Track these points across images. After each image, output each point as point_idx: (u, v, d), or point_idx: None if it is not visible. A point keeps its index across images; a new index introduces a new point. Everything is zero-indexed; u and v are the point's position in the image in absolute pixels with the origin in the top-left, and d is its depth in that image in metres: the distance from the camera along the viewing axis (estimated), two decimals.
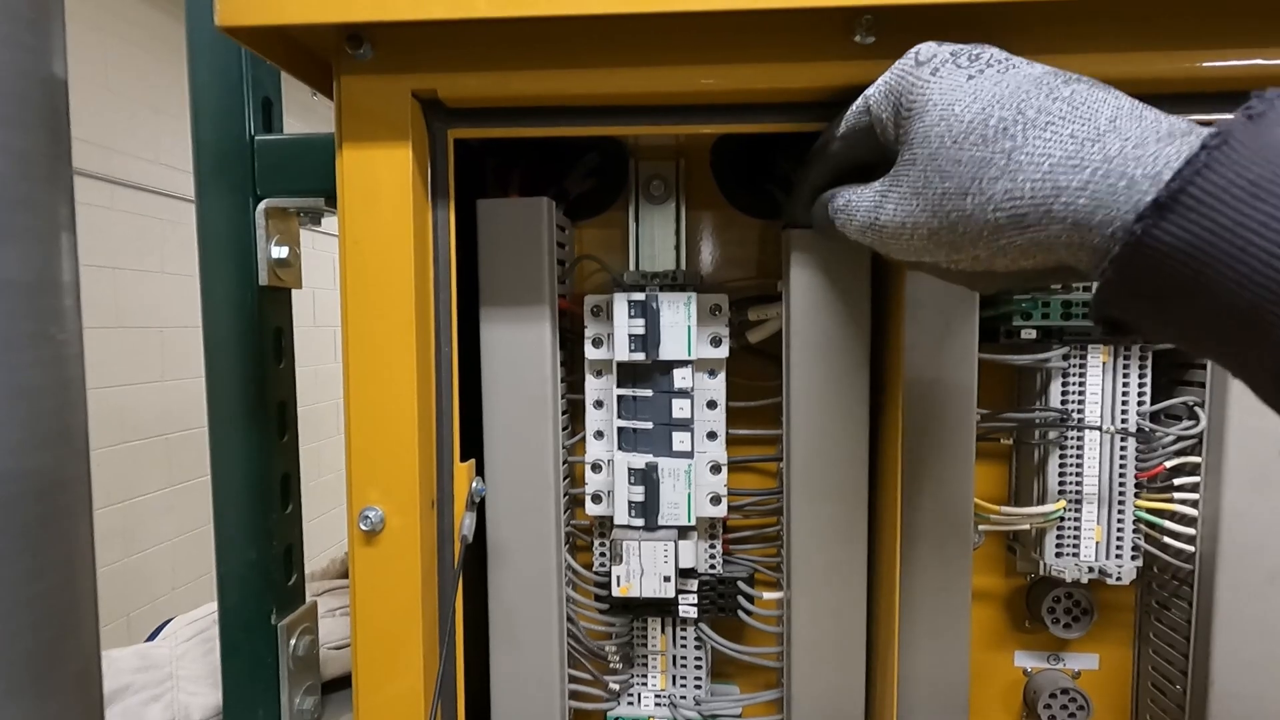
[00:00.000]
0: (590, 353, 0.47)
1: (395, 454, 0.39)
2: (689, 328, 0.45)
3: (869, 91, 0.32)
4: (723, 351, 0.46)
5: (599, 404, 0.48)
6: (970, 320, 0.44)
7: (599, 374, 0.48)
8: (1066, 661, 0.53)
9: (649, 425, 0.46)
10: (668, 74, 0.37)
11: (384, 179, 0.39)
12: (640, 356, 0.44)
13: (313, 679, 0.58)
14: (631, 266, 0.52)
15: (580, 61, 0.37)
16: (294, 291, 0.57)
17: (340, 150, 0.39)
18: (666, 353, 0.45)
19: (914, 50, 0.30)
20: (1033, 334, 0.46)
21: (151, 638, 0.73)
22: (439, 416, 0.41)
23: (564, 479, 0.50)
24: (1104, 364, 0.46)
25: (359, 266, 0.39)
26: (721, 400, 0.47)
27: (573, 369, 0.51)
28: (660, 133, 0.40)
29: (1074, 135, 0.23)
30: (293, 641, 0.56)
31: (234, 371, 0.53)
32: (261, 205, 0.52)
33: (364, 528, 0.39)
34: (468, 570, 0.47)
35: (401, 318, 0.39)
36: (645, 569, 0.44)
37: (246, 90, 0.53)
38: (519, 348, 0.46)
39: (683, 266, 0.52)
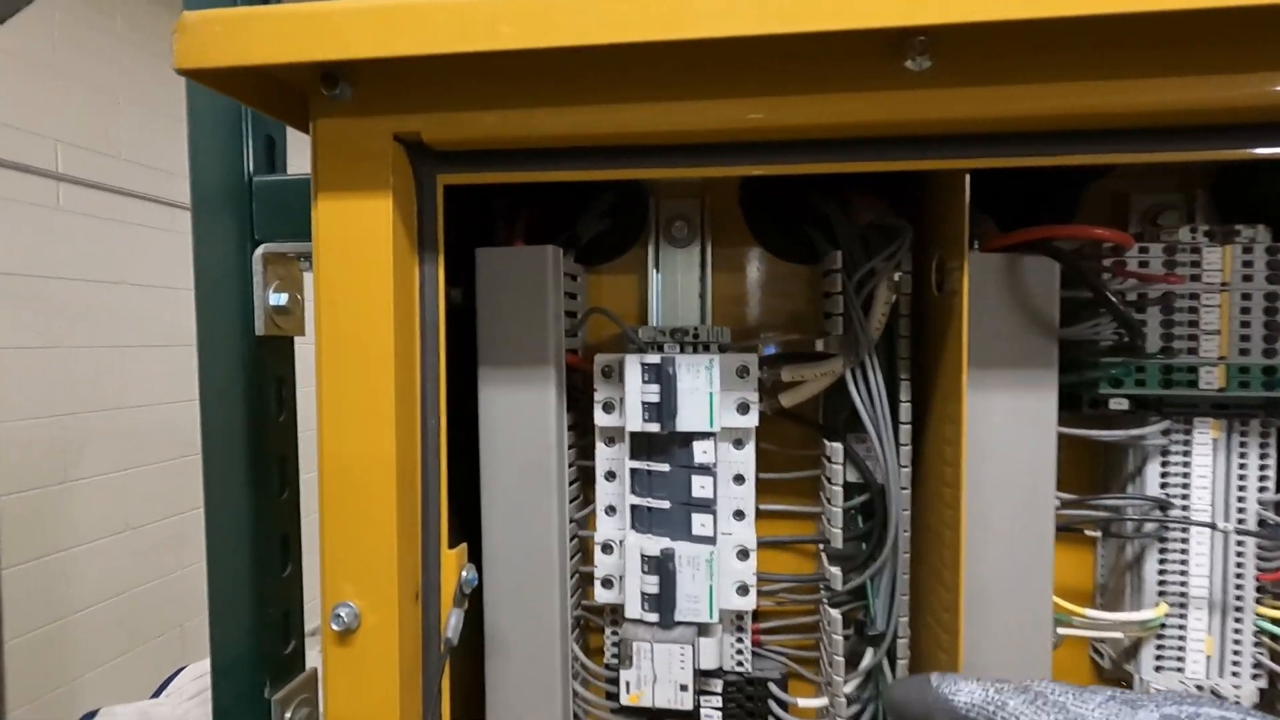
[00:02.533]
0: (600, 419, 0.42)
1: (371, 543, 0.35)
2: (711, 395, 0.39)
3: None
4: (751, 420, 0.40)
5: (611, 476, 0.43)
6: (1047, 386, 0.37)
7: (610, 442, 0.43)
8: None
9: (666, 505, 0.40)
10: (686, 110, 0.32)
11: (363, 230, 0.34)
12: (655, 427, 0.39)
13: None
14: (651, 318, 0.47)
15: (584, 98, 0.32)
16: (301, 339, 0.53)
17: (315, 199, 0.34)
18: (685, 423, 0.39)
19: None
20: (1124, 404, 0.39)
21: (160, 689, 0.71)
22: (425, 497, 0.37)
23: (574, 555, 0.45)
24: (1215, 441, 0.38)
25: (333, 328, 0.35)
26: (750, 475, 0.41)
27: (585, 432, 0.45)
28: (677, 175, 0.34)
29: None
30: (288, 715, 0.52)
31: (230, 425, 0.50)
32: (260, 250, 0.49)
33: (335, 627, 0.34)
34: (464, 663, 0.43)
35: (379, 386, 0.34)
36: (659, 674, 0.38)
37: (246, 127, 0.50)
38: (520, 412, 0.41)
39: (708, 318, 0.47)
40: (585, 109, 0.33)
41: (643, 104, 0.32)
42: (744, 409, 0.40)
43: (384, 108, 0.34)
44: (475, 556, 0.41)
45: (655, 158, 0.34)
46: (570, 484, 0.44)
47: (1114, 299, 0.33)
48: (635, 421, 0.39)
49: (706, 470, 0.39)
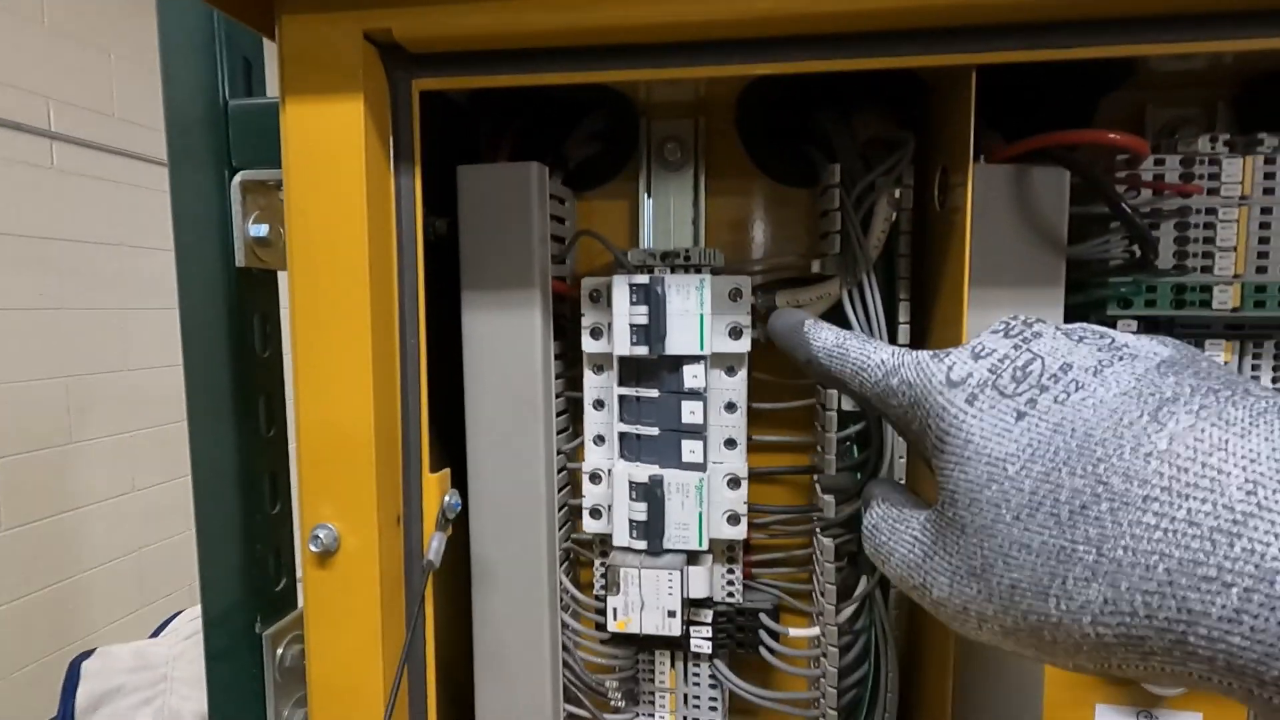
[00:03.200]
0: (588, 345, 0.40)
1: (350, 465, 0.34)
2: (701, 316, 0.37)
3: (890, 366, 0.25)
4: (743, 345, 0.39)
5: (599, 404, 0.41)
6: (1054, 306, 0.35)
7: (599, 370, 0.41)
8: None
9: (655, 431, 0.39)
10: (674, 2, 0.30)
11: (333, 141, 0.32)
12: (643, 350, 0.37)
13: (303, 690, 0.53)
14: (642, 244, 0.45)
15: None
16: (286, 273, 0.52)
17: (283, 107, 0.33)
18: (674, 346, 0.38)
19: (944, 361, 0.23)
20: (1133, 326, 0.37)
21: (159, 630, 0.71)
22: (405, 421, 0.36)
23: (563, 488, 0.44)
24: (1226, 363, 0.37)
25: (305, 246, 0.33)
26: (742, 402, 0.40)
27: (573, 362, 0.44)
28: (670, 76, 0.32)
29: (1194, 519, 0.15)
30: (279, 651, 0.52)
31: (211, 361, 0.49)
32: (237, 178, 0.47)
33: (314, 549, 0.34)
34: (452, 593, 0.42)
35: (355, 306, 0.33)
36: (646, 601, 0.38)
37: (220, 49, 0.48)
38: (505, 339, 0.39)
39: (701, 243, 0.45)
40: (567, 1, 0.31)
41: None
42: (736, 333, 0.39)
43: (352, 2, 0.32)
44: (461, 485, 0.40)
45: (648, 57, 0.32)
46: (559, 415, 0.43)
47: (1128, 208, 0.31)
48: (623, 345, 0.38)
49: (697, 395, 0.38)
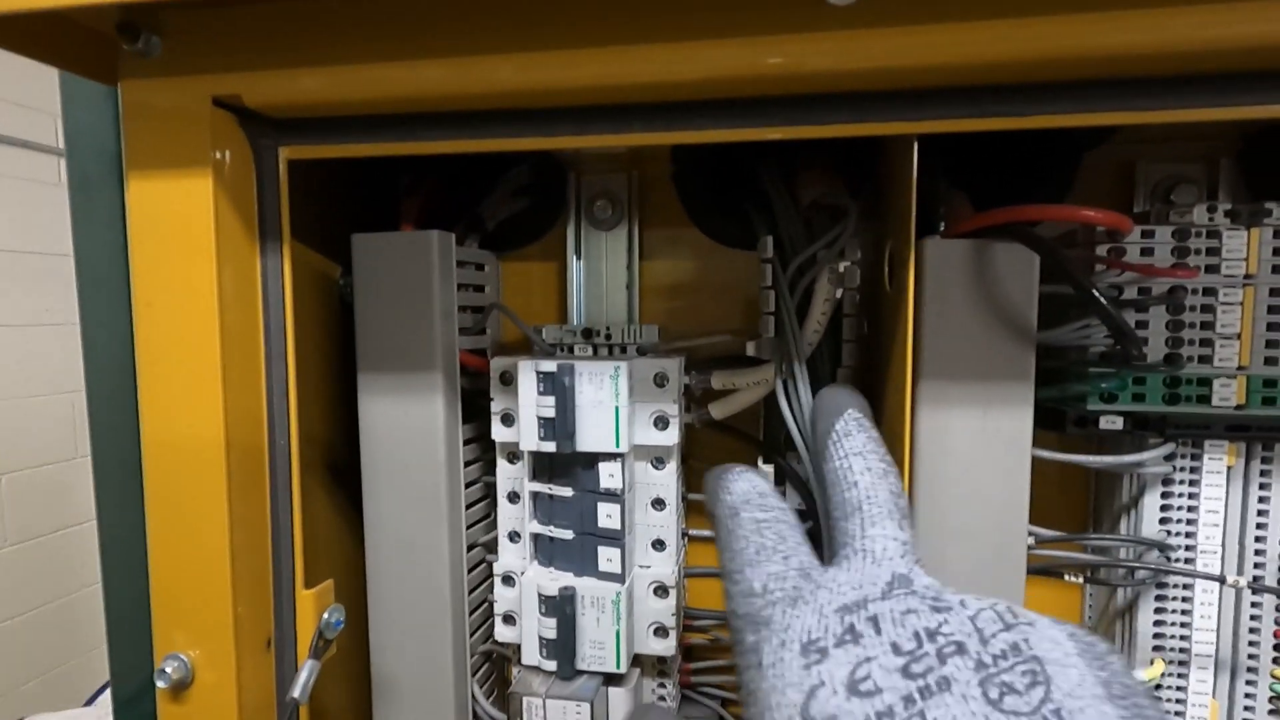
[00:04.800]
0: (498, 433, 0.36)
1: (205, 585, 0.29)
2: (617, 410, 0.33)
3: (762, 602, 0.18)
4: (670, 436, 0.34)
5: (514, 497, 0.37)
6: (1020, 401, 0.30)
7: (512, 459, 0.37)
8: None
9: (569, 535, 0.34)
10: (562, 62, 0.25)
11: (181, 214, 0.28)
12: (551, 446, 0.33)
13: None
14: (572, 313, 0.41)
15: (436, 49, 0.26)
16: None
17: (127, 178, 0.29)
18: (587, 442, 0.33)
19: (810, 674, 0.16)
20: (1118, 423, 0.32)
21: (93, 699, 0.67)
22: (275, 532, 0.31)
23: (480, 584, 0.39)
24: (1229, 469, 0.32)
25: (152, 334, 0.29)
26: (673, 498, 0.35)
27: (492, 445, 0.40)
28: (556, 146, 0.28)
29: None
30: None
31: (120, 419, 0.45)
32: None
33: (161, 684, 0.29)
34: (357, 709, 0.38)
35: (206, 398, 0.29)
36: None
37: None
38: (404, 426, 0.35)
39: (635, 313, 0.40)
40: (439, 62, 0.26)
41: (513, 54, 0.26)
42: (662, 424, 0.34)
43: (198, 65, 0.28)
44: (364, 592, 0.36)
45: (534, 124, 0.28)
46: (477, 503, 0.39)
47: (1101, 298, 0.26)
48: (530, 439, 0.33)
49: (614, 497, 0.33)
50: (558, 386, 0.32)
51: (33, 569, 1.56)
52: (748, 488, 0.21)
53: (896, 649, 0.15)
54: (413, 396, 0.35)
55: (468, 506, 0.38)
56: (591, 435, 0.33)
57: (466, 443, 0.37)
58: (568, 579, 0.34)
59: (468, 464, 0.38)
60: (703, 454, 0.39)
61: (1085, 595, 0.37)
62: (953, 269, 0.30)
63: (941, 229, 0.32)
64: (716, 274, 0.40)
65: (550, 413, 0.33)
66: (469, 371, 0.37)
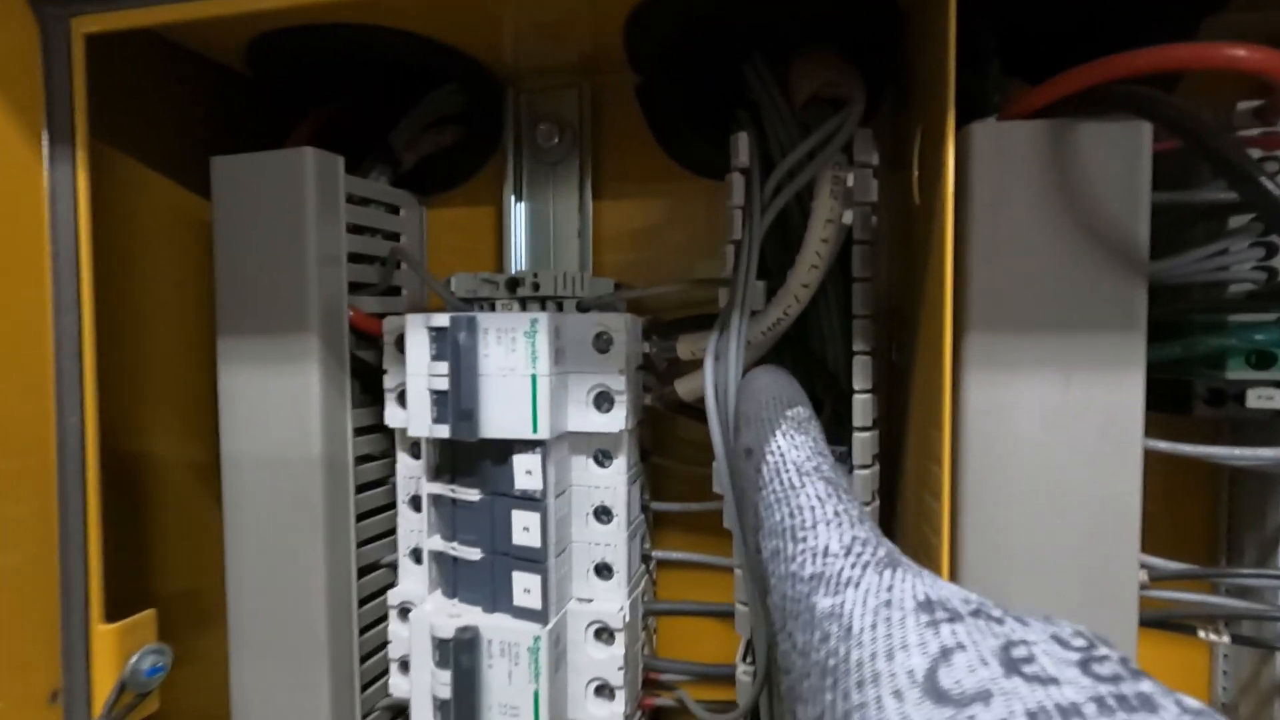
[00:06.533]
0: (392, 416, 0.27)
1: None
2: (534, 379, 0.23)
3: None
4: (615, 420, 0.25)
5: (416, 503, 0.28)
6: (1125, 360, 0.20)
7: (415, 453, 0.28)
8: None
9: (475, 555, 0.25)
10: None
11: None
12: (444, 431, 0.24)
13: None
14: (513, 268, 0.32)
15: None
16: None
17: None
18: (493, 426, 0.24)
19: None
20: (1274, 399, 0.21)
21: None
22: (65, 548, 0.23)
23: (382, 619, 0.30)
24: None
25: None
26: (621, 507, 0.26)
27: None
28: None
29: None
30: None
31: None
32: None
33: None
34: None
35: None
36: None
37: None
38: (271, 406, 0.27)
39: (589, 266, 0.31)
40: None
41: None
42: (606, 403, 0.25)
43: None
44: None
45: None
46: (378, 512, 0.30)
47: (1271, 185, 0.16)
48: (420, 421, 0.24)
49: (532, 502, 0.24)
50: (451, 347, 0.23)
51: None
52: (815, 445, 0.16)
53: (1061, 642, 0.11)
54: (281, 368, 0.26)
55: (365, 515, 0.29)
56: (500, 416, 0.24)
57: (365, 431, 0.29)
58: (473, 615, 0.25)
59: (367, 459, 0.29)
60: (672, 447, 0.30)
61: (1218, 658, 0.25)
62: (1013, 165, 0.20)
63: (997, 115, 0.22)
64: (694, 216, 0.31)
65: (444, 384, 0.24)
66: (371, 340, 0.29)
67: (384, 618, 0.30)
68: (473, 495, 0.25)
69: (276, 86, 0.31)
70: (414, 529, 0.28)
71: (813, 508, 0.14)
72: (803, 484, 0.15)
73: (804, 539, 0.13)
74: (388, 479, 0.30)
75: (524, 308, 0.27)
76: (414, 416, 0.25)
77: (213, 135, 0.30)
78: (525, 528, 0.24)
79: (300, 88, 0.31)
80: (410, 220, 0.32)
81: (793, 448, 0.16)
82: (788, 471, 0.15)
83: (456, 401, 0.23)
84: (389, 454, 0.30)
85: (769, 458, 0.16)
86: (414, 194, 0.32)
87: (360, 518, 0.29)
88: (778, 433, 0.16)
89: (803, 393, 0.18)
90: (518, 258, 0.32)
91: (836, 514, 0.14)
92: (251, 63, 0.29)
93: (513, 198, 0.32)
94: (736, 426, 0.18)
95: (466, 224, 0.33)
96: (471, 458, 0.25)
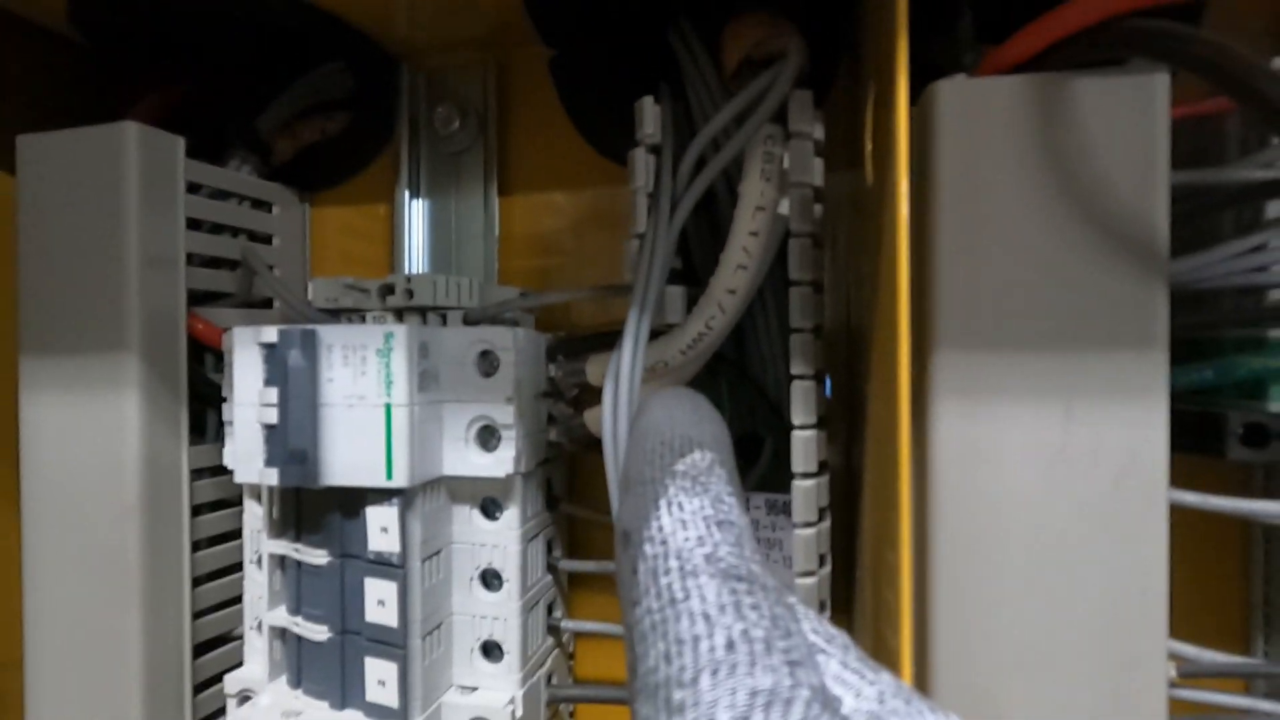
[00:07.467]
0: (229, 455, 0.22)
1: None
2: (388, 410, 0.18)
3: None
4: (503, 461, 0.20)
5: (260, 563, 0.23)
6: (1143, 386, 0.15)
7: (261, 497, 0.23)
8: None
9: (322, 634, 0.20)
10: None
11: None
12: (272, 478, 0.19)
13: None
14: (408, 270, 0.27)
15: None
16: None
17: None
18: (338, 471, 0.19)
19: None
20: None
21: None
22: None
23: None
24: None
25: None
26: (513, 568, 0.21)
27: None
28: None
29: None
30: None
31: None
32: None
33: None
34: None
35: None
36: None
37: None
38: (79, 441, 0.21)
39: (493, 269, 0.26)
40: None
41: None
42: (490, 438, 0.20)
43: None
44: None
45: None
46: (225, 573, 0.24)
47: None
48: (248, 465, 0.19)
49: (388, 568, 0.19)
50: (278, 369, 0.18)
51: None
52: (714, 510, 0.11)
53: None
54: (92, 394, 0.21)
55: (208, 577, 0.24)
56: (347, 458, 0.19)
57: (210, 473, 0.23)
58: (318, 714, 0.20)
59: (217, 507, 0.24)
60: (591, 494, 0.25)
61: None
62: (991, 132, 0.15)
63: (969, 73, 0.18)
64: (621, 214, 0.26)
65: (274, 417, 0.18)
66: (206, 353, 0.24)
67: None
68: (320, 557, 0.20)
69: (114, 55, 0.26)
70: (260, 595, 0.23)
71: (696, 638, 0.09)
72: (687, 592, 0.10)
73: (682, 706, 0.08)
74: (240, 531, 0.25)
75: (400, 320, 0.22)
76: (241, 457, 0.19)
77: (43, 116, 0.25)
78: (380, 601, 0.19)
79: (148, 59, 0.26)
80: (287, 220, 0.27)
81: (679, 526, 0.11)
82: (668, 573, 0.10)
83: (283, 439, 0.18)
84: (235, 503, 0.25)
85: (646, 548, 0.11)
86: (294, 189, 0.28)
87: (200, 580, 0.23)
88: (661, 502, 0.11)
89: (715, 420, 0.13)
90: (415, 262, 0.27)
91: (730, 643, 0.09)
92: (77, 21, 0.24)
93: (408, 193, 0.27)
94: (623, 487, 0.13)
95: (358, 224, 0.28)
96: (319, 510, 0.20)
